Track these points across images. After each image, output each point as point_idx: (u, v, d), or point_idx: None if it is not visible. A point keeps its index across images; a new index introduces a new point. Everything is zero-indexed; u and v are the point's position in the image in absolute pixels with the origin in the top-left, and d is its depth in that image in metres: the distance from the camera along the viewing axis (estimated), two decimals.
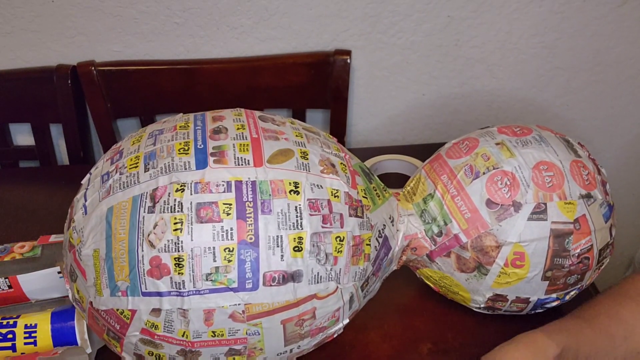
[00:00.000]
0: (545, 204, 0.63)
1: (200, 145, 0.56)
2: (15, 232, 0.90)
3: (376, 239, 0.62)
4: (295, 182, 0.56)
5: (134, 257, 0.52)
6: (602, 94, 1.20)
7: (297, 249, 0.54)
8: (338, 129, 1.15)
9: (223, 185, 0.54)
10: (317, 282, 0.56)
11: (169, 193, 0.53)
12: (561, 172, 0.65)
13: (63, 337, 0.66)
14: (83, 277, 0.56)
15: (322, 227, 0.56)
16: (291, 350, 0.59)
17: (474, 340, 0.72)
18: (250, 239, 0.53)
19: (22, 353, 0.66)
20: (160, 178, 0.54)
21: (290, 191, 0.55)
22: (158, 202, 0.53)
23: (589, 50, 1.13)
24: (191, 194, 0.53)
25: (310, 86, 1.10)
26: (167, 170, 0.54)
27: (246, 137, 0.58)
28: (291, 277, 0.54)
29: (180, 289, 0.52)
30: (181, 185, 0.53)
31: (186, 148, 0.56)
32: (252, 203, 0.53)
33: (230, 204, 0.53)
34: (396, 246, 0.67)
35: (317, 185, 0.57)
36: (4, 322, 0.66)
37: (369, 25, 1.07)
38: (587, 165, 0.67)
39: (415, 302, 0.77)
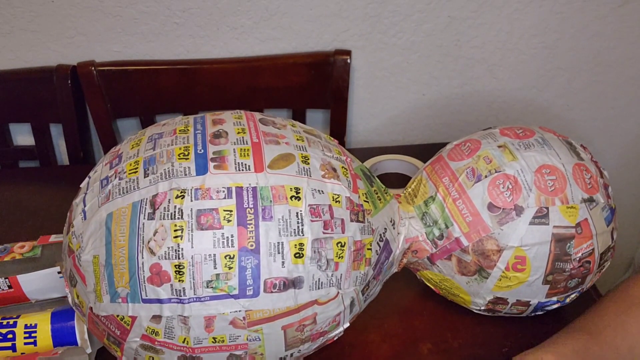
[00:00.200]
0: (547, 208, 0.63)
1: (200, 150, 0.56)
2: (15, 232, 0.90)
3: (377, 242, 0.62)
4: (297, 188, 0.55)
5: (134, 264, 0.52)
6: (602, 94, 1.20)
7: (298, 255, 0.54)
8: (338, 129, 1.15)
9: (223, 191, 0.53)
10: (318, 288, 0.55)
11: (169, 199, 0.53)
12: (563, 176, 0.65)
13: (63, 337, 0.66)
14: (83, 282, 0.56)
15: (324, 232, 0.55)
16: (292, 355, 0.59)
17: (474, 341, 0.72)
18: (251, 245, 0.53)
19: (22, 353, 0.66)
20: (160, 184, 0.54)
21: (291, 197, 0.55)
22: (158, 208, 0.53)
23: (589, 51, 1.13)
24: (191, 201, 0.53)
25: (310, 86, 1.10)
26: (167, 176, 0.54)
27: (247, 142, 0.58)
28: (292, 283, 0.54)
29: (180, 296, 0.52)
30: (181, 192, 0.53)
31: (186, 153, 0.56)
32: (252, 209, 0.53)
33: (231, 211, 0.53)
34: (397, 249, 0.66)
35: (319, 190, 0.57)
36: (4, 322, 0.66)
37: (369, 26, 1.07)
38: (590, 168, 0.67)
39: (415, 303, 0.77)
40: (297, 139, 0.61)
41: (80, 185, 0.62)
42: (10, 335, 0.65)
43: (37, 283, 0.69)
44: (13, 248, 0.71)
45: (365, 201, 0.61)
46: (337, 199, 0.58)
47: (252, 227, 0.53)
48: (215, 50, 1.09)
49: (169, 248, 0.52)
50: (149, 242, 0.52)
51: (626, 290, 0.67)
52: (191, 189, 0.53)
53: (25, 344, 0.65)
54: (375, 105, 1.18)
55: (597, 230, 0.65)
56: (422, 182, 0.71)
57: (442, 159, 0.72)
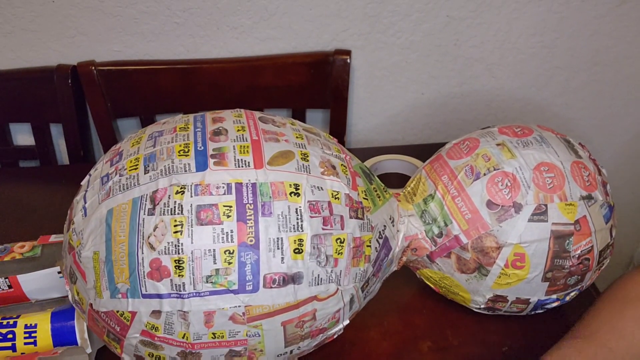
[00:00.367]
0: (545, 205, 0.63)
1: (200, 147, 0.56)
2: (15, 232, 0.90)
3: (376, 240, 0.62)
4: (296, 184, 0.56)
5: (134, 259, 0.52)
6: (601, 94, 1.20)
7: (298, 251, 0.54)
8: (338, 128, 1.15)
9: (223, 187, 0.54)
10: (318, 284, 0.56)
11: (169, 195, 0.53)
12: (562, 173, 0.65)
13: (63, 337, 0.66)
14: (83, 279, 0.56)
15: (323, 229, 0.56)
16: (291, 351, 0.59)
17: (473, 339, 0.72)
18: (251, 241, 0.53)
19: (22, 353, 0.66)
20: (160, 180, 0.54)
21: (290, 193, 0.55)
22: (158, 204, 0.53)
23: (587, 50, 1.13)
24: (191, 196, 0.53)
25: (310, 86, 1.10)
26: (167, 172, 0.54)
27: (246, 139, 0.58)
28: (291, 279, 0.54)
29: (180, 291, 0.52)
30: (181, 188, 0.53)
31: (186, 150, 0.56)
32: (252, 205, 0.53)
33: (231, 206, 0.53)
34: (396, 247, 0.67)
35: (318, 187, 0.57)
36: (4, 322, 0.66)
37: (369, 25, 1.07)
38: (588, 166, 0.67)
39: (415, 301, 0.77)
40: (297, 137, 0.61)
41: (81, 183, 0.62)
42: (10, 335, 0.65)
43: (37, 283, 0.69)
44: (13, 248, 0.72)
45: (364, 198, 0.61)
46: (336, 196, 0.58)
47: (251, 223, 0.53)
48: (215, 50, 1.09)
49: (168, 243, 0.52)
50: (149, 237, 0.52)
51: (620, 289, 0.66)
52: (191, 185, 0.53)
53: (25, 344, 0.65)
54: (375, 104, 1.18)
55: (596, 228, 0.65)
56: (421, 181, 0.72)
57: (441, 157, 0.72)
